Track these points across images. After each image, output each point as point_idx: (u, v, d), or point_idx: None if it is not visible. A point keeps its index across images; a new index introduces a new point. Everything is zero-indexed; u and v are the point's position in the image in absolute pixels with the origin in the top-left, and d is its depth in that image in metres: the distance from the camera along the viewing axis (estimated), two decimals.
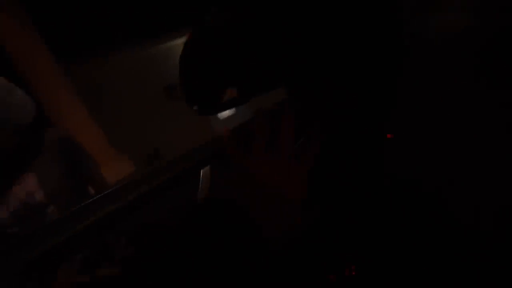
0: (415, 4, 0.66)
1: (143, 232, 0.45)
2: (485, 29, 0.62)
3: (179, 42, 3.16)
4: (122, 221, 0.32)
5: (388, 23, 0.47)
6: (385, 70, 0.49)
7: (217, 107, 0.51)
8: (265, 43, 0.44)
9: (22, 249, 0.28)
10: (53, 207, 0.74)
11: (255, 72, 0.46)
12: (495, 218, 0.54)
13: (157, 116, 2.56)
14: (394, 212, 0.54)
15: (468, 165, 0.58)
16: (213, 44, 0.49)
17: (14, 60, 1.34)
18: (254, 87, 0.47)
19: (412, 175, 0.59)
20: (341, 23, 0.44)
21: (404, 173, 0.59)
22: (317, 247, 0.49)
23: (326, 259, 0.49)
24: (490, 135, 0.58)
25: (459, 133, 0.60)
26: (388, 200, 0.54)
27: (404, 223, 0.53)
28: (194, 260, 0.35)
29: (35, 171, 0.74)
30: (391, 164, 0.57)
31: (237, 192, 0.41)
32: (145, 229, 0.45)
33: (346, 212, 0.53)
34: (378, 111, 0.52)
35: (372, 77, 0.48)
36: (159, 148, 2.53)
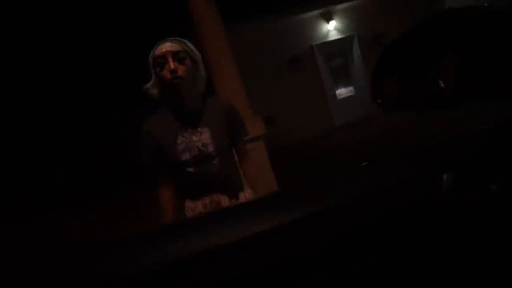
0: None
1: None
2: None
3: (308, 16, 3.14)
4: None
5: None
6: None
7: (403, 107, 0.55)
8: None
9: None
10: (218, 160, 0.98)
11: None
12: None
13: (279, 84, 2.71)
14: None
15: None
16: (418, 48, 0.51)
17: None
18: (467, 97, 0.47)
19: None
20: None
21: None
22: None
23: None
24: None
25: None
26: None
27: None
28: None
29: (210, 128, 0.98)
30: None
31: None
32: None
33: None
34: None
35: None
36: (274, 116, 2.71)
